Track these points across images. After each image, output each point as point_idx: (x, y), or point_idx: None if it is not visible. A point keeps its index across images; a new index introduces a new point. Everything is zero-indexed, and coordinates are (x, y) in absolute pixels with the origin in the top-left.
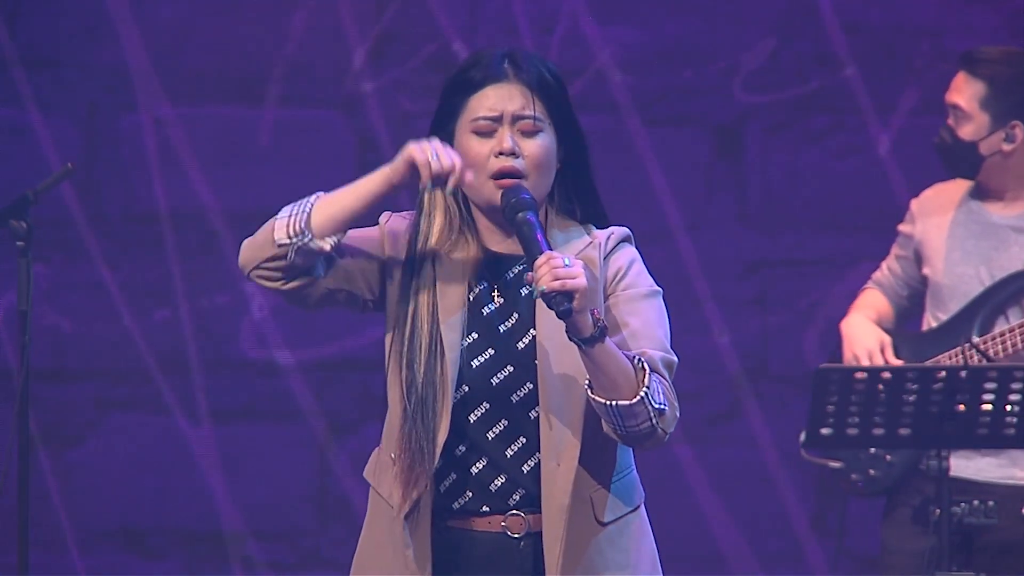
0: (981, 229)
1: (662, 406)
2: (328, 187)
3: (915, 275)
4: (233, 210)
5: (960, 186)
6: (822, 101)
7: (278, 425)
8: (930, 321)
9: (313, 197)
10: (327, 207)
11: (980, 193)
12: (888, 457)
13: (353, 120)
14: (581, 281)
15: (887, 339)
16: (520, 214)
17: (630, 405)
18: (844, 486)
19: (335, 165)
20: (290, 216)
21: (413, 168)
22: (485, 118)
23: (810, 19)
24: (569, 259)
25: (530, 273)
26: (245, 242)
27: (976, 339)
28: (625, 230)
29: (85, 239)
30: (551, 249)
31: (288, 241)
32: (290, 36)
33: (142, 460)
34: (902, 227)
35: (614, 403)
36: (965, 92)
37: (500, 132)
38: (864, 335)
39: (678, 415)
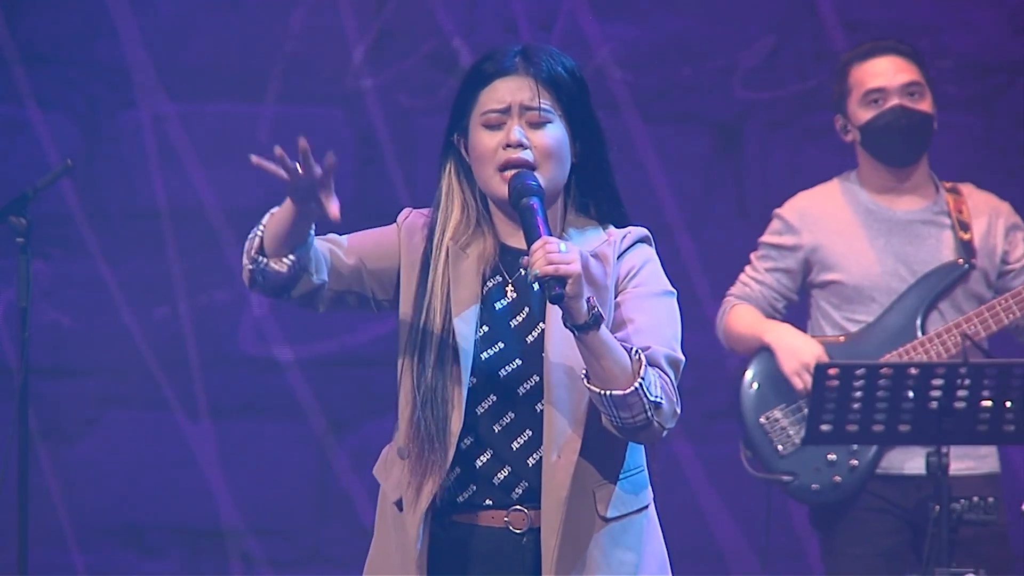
0: (887, 227)
1: (658, 399)
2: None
3: (794, 287)
4: (232, 207)
5: (833, 190)
6: (822, 98)
7: (277, 422)
8: (841, 323)
9: (266, 217)
10: (270, 229)
11: (872, 191)
12: (854, 462)
13: (353, 116)
14: (575, 267)
15: (820, 346)
16: (524, 200)
17: (624, 395)
18: (801, 496)
19: None
20: (249, 240)
21: (293, 183)
22: (493, 111)
23: (809, 16)
24: (566, 245)
25: (525, 257)
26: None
27: (936, 326)
28: (643, 231)
29: (84, 236)
30: (551, 235)
31: (252, 266)
32: (290, 32)
33: (141, 457)
34: (778, 239)
35: (608, 393)
36: (912, 70)
37: (508, 124)
38: (804, 343)
39: (679, 411)
